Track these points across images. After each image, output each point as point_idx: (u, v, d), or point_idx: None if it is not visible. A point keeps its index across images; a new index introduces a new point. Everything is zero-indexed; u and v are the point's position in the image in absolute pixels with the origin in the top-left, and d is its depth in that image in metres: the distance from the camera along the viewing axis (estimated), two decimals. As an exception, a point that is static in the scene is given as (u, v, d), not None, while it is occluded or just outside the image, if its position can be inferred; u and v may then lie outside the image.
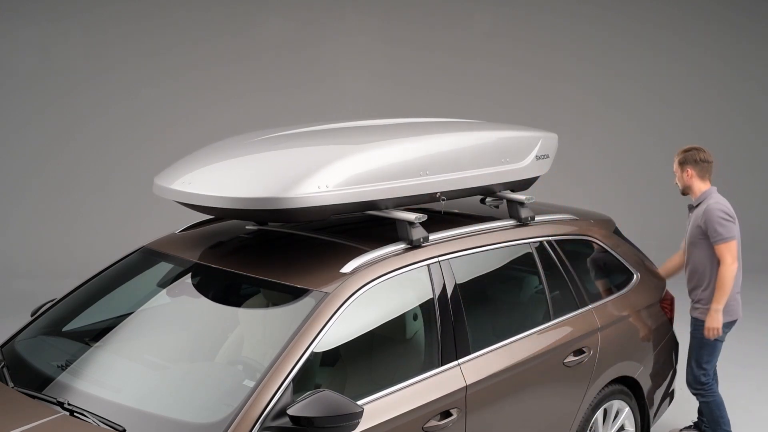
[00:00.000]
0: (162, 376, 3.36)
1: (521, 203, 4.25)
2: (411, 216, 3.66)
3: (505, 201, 4.30)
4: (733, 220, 4.82)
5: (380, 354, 3.57)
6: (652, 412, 4.81)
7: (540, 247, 4.31)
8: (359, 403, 3.21)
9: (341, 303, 3.34)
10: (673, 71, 10.84)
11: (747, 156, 11.04)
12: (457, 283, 3.79)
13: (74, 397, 3.19)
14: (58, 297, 3.98)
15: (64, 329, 3.74)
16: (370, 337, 3.53)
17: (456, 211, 4.40)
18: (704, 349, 4.98)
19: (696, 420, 5.38)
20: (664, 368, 4.89)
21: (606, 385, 4.44)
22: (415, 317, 3.65)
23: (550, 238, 4.38)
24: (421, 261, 3.69)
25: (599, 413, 4.44)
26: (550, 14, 10.45)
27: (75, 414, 3.11)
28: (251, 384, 3.09)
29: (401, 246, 3.67)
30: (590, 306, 4.43)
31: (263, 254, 3.73)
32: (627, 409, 4.63)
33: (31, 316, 3.93)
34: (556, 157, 4.83)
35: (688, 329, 5.32)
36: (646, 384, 4.69)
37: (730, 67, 11.04)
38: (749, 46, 11.09)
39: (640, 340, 4.66)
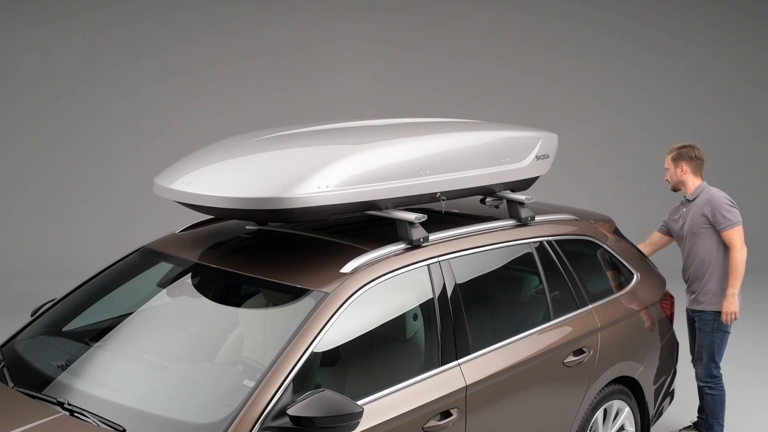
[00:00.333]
0: (162, 376, 3.36)
1: (521, 203, 4.25)
2: (411, 216, 3.66)
3: (505, 201, 4.30)
4: (736, 207, 4.95)
5: (380, 354, 3.57)
6: (652, 412, 4.81)
7: (540, 247, 4.31)
8: (359, 403, 3.21)
9: (341, 303, 3.33)
10: (673, 71, 10.84)
11: (747, 156, 11.05)
12: (457, 283, 3.79)
13: (74, 397, 3.19)
14: (58, 297, 3.98)
15: (64, 329, 3.74)
16: (370, 337, 3.53)
17: (456, 211, 4.40)
18: (715, 341, 5.04)
19: (696, 420, 5.39)
20: (664, 368, 4.89)
21: (606, 385, 4.43)
22: (415, 317, 3.65)
23: (550, 238, 4.38)
24: (421, 261, 3.69)
25: (599, 413, 4.44)
26: (550, 15, 10.45)
27: (75, 414, 3.11)
28: (251, 384, 3.09)
29: (401, 246, 3.67)
30: (590, 306, 4.43)
31: (263, 254, 3.73)
32: (627, 409, 4.63)
33: (31, 316, 3.92)
34: (556, 157, 4.82)
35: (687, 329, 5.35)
36: (646, 384, 4.69)
37: (730, 67, 11.04)
38: (749, 46, 11.09)
39: (640, 340, 4.66)
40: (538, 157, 4.39)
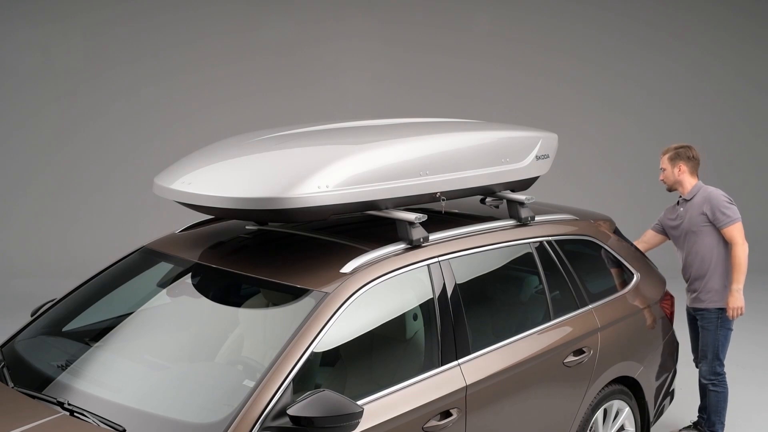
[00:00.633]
0: (162, 376, 3.36)
1: (521, 203, 4.25)
2: (411, 216, 3.66)
3: (505, 201, 4.30)
4: (734, 204, 5.00)
5: (380, 354, 3.57)
6: (652, 412, 4.81)
7: (540, 247, 4.31)
8: (359, 403, 3.21)
9: (341, 303, 3.33)
10: (673, 71, 10.84)
11: (747, 156, 11.05)
12: (457, 283, 3.79)
13: (74, 397, 3.19)
14: (58, 297, 3.98)
15: (64, 329, 3.74)
16: (370, 337, 3.52)
17: (456, 211, 4.40)
18: (719, 339, 5.07)
19: (696, 419, 5.39)
20: (665, 368, 4.89)
21: (606, 385, 4.43)
22: (415, 317, 3.65)
23: (550, 238, 4.38)
24: (421, 261, 3.69)
25: (599, 413, 4.44)
26: (550, 15, 10.45)
27: (75, 414, 3.11)
28: (251, 384, 3.09)
29: (401, 246, 3.67)
30: (590, 306, 4.43)
31: (263, 254, 3.73)
32: (627, 409, 4.63)
33: (31, 316, 3.92)
34: (556, 157, 4.83)
35: (688, 328, 5.35)
36: (646, 384, 4.69)
37: (730, 67, 11.04)
38: (749, 46, 11.09)
39: (640, 340, 4.66)
40: (538, 157, 4.39)
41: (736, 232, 4.92)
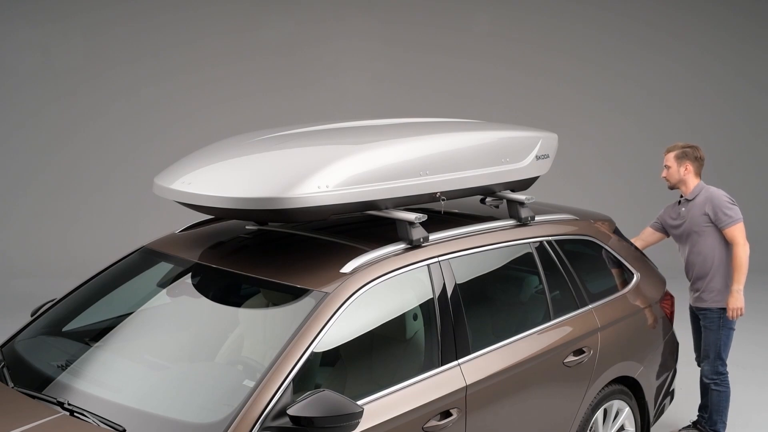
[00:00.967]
0: (162, 376, 3.36)
1: (521, 203, 4.25)
2: (411, 216, 3.66)
3: (505, 201, 4.30)
4: (736, 204, 5.00)
5: (380, 354, 3.57)
6: (652, 412, 4.81)
7: (540, 247, 4.31)
8: (359, 403, 3.21)
9: (341, 303, 3.33)
10: (673, 71, 10.84)
11: (747, 156, 11.05)
12: (457, 283, 3.79)
13: (74, 397, 3.19)
14: (58, 297, 3.98)
15: (64, 329, 3.74)
16: (370, 337, 3.52)
17: (456, 211, 4.40)
18: (721, 338, 5.07)
19: (696, 419, 5.39)
20: (665, 368, 4.89)
21: (606, 385, 4.43)
22: (415, 317, 3.65)
23: (550, 238, 4.38)
24: (421, 261, 3.69)
25: (599, 413, 4.44)
26: (550, 15, 10.45)
27: (75, 414, 3.11)
28: (251, 384, 3.09)
29: (401, 246, 3.67)
30: (590, 306, 4.42)
31: (263, 254, 3.73)
32: (627, 409, 4.63)
33: (31, 316, 3.92)
34: (556, 157, 4.83)
35: (689, 327, 5.35)
36: (646, 384, 4.69)
37: (730, 67, 11.04)
38: (749, 46, 11.08)
39: (640, 340, 4.66)
40: (538, 157, 4.39)
41: (737, 232, 4.93)
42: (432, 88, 10.07)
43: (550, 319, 4.19)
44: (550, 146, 4.51)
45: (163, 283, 3.77)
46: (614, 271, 4.76)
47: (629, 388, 4.63)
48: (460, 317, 3.72)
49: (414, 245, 3.70)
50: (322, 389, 3.01)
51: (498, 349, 3.85)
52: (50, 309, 3.89)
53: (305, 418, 2.93)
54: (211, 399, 3.15)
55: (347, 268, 3.45)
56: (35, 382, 3.35)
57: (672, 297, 5.04)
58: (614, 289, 4.67)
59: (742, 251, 4.91)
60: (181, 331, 3.61)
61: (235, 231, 4.06)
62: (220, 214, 3.68)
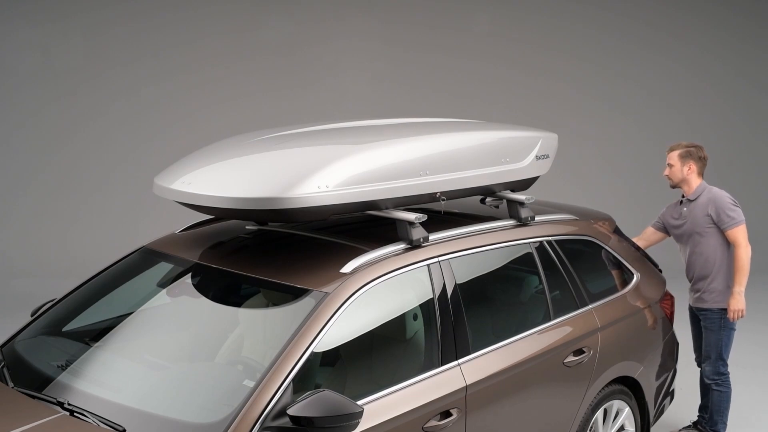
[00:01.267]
0: (162, 376, 3.36)
1: (521, 203, 4.25)
2: (411, 216, 3.66)
3: (505, 201, 4.30)
4: (739, 206, 5.00)
5: (380, 354, 3.57)
6: (652, 412, 4.81)
7: (540, 247, 4.31)
8: (359, 403, 3.21)
9: (341, 303, 3.33)
10: (673, 71, 10.84)
11: (747, 156, 11.04)
12: (457, 283, 3.79)
13: (74, 397, 3.19)
14: (58, 297, 3.98)
15: (64, 329, 3.74)
16: (370, 337, 3.52)
17: (456, 211, 4.40)
18: (722, 339, 5.07)
19: (696, 419, 5.39)
20: (665, 368, 4.89)
21: (606, 385, 4.43)
22: (415, 317, 3.65)
23: (550, 238, 4.38)
24: (421, 261, 3.69)
25: (599, 413, 4.44)
26: (550, 15, 10.45)
27: (75, 414, 3.11)
28: (251, 384, 3.09)
29: (401, 246, 3.67)
30: (590, 306, 4.42)
31: (263, 254, 3.73)
32: (627, 409, 4.63)
33: (31, 316, 3.92)
34: (556, 157, 4.82)
35: (689, 327, 5.35)
36: (646, 384, 4.69)
37: (730, 67, 11.03)
38: (749, 46, 11.08)
39: (640, 340, 4.66)
40: (538, 157, 4.39)
41: (739, 234, 4.92)
42: (432, 88, 10.07)
43: (550, 319, 4.19)
44: (550, 146, 4.51)
45: (163, 283, 3.77)
46: (614, 272, 4.76)
47: (629, 388, 4.63)
48: (460, 317, 3.72)
49: (414, 245, 3.70)
50: (322, 389, 3.01)
51: (498, 349, 3.85)
52: (50, 309, 3.90)
53: (305, 418, 2.93)
54: (211, 399, 3.15)
55: (347, 268, 3.45)
56: (35, 382, 3.35)
57: (672, 297, 5.04)
58: (614, 290, 4.67)
59: (744, 253, 4.91)
60: (181, 331, 3.61)
61: (235, 231, 4.06)
62: (220, 214, 3.68)
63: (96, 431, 3.02)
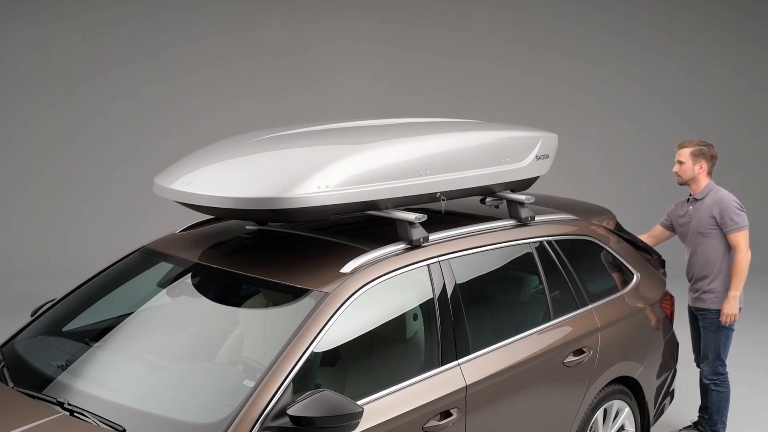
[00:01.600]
0: (162, 376, 3.36)
1: (521, 203, 4.25)
2: (411, 216, 3.66)
3: (505, 201, 4.30)
4: (744, 211, 4.97)
5: (380, 354, 3.57)
6: (652, 412, 4.81)
7: (540, 247, 4.31)
8: (359, 403, 3.21)
9: (341, 303, 3.33)
10: (673, 71, 10.84)
11: (747, 156, 11.04)
12: (457, 283, 3.79)
13: (74, 397, 3.19)
14: (58, 297, 3.98)
15: (64, 329, 3.74)
16: (370, 337, 3.53)
17: (456, 211, 4.40)
18: (721, 339, 5.06)
19: (696, 419, 5.39)
20: (665, 368, 4.89)
21: (606, 385, 4.43)
22: (415, 317, 3.65)
23: (550, 238, 4.38)
24: (421, 261, 3.69)
25: (599, 413, 4.43)
26: (550, 15, 10.45)
27: (75, 414, 3.11)
28: (251, 384, 3.09)
29: (401, 246, 3.67)
30: (590, 306, 4.42)
31: (263, 254, 3.73)
32: (627, 409, 4.63)
33: (31, 316, 3.92)
34: (556, 157, 4.83)
35: (689, 327, 5.35)
36: (646, 384, 4.69)
37: (730, 67, 11.03)
38: (749, 46, 11.08)
39: (640, 340, 4.66)
40: (538, 157, 4.39)
41: (741, 239, 4.91)
42: (432, 88, 10.07)
43: (550, 319, 4.19)
44: (550, 146, 4.51)
45: (163, 283, 3.77)
46: (614, 272, 4.76)
47: (629, 388, 4.63)
48: (460, 317, 3.72)
49: (414, 245, 3.70)
50: (322, 389, 3.01)
51: (498, 349, 3.85)
52: (50, 309, 3.90)
53: (305, 418, 2.93)
54: (211, 399, 3.15)
55: (347, 268, 3.45)
56: (35, 382, 3.35)
57: (672, 297, 5.04)
58: (614, 289, 4.67)
59: (744, 258, 4.89)
60: (181, 331, 3.61)
61: (235, 231, 4.06)
62: (220, 214, 3.68)
63: (96, 431, 3.02)
